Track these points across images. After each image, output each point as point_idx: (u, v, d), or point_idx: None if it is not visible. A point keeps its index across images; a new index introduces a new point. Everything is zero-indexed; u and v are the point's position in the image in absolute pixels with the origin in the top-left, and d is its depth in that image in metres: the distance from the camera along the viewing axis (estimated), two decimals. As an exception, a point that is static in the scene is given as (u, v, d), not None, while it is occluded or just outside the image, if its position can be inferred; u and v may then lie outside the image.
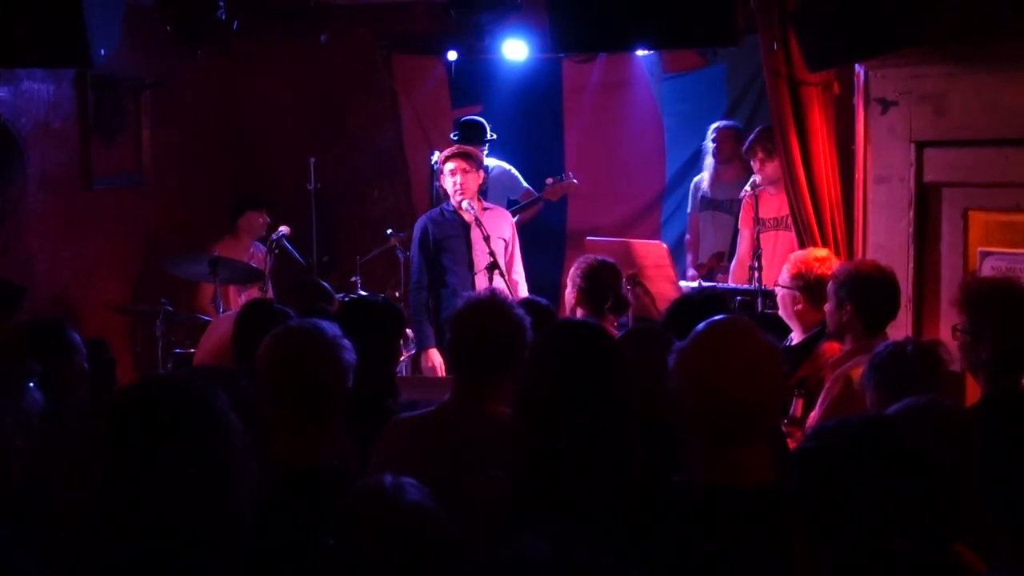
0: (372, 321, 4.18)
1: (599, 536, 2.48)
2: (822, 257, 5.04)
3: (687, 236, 7.95)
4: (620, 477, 2.69)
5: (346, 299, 6.70)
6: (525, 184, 8.04)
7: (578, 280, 5.19)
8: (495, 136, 7.80)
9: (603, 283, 5.14)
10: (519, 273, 6.90)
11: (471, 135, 7.67)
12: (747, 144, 6.78)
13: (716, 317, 2.68)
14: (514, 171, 8.03)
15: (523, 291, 6.68)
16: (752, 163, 6.69)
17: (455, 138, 7.74)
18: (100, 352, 4.42)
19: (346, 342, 3.17)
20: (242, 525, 1.75)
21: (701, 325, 2.61)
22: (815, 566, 2.02)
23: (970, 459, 2.72)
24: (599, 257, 5.30)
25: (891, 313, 4.55)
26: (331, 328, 3.25)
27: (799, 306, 4.95)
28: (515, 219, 7.48)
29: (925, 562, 1.99)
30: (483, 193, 6.99)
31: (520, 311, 3.55)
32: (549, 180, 7.87)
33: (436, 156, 7.66)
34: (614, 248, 6.28)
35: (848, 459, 2.01)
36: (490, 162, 7.85)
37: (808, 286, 4.92)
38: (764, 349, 2.56)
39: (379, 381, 4.04)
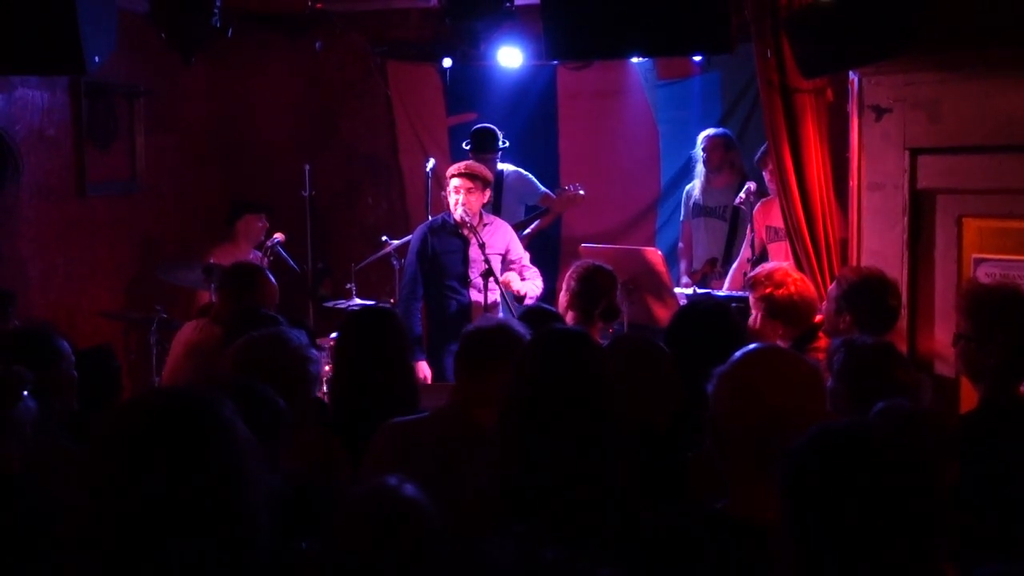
0: (376, 331, 4.16)
1: (575, 543, 2.46)
2: (781, 279, 4.97)
3: (680, 244, 7.96)
4: (602, 486, 2.68)
5: (351, 307, 6.68)
6: (543, 188, 8.00)
7: (572, 284, 5.08)
8: (507, 144, 7.79)
9: (597, 288, 5.06)
10: (533, 280, 6.76)
11: (484, 143, 7.65)
12: (758, 155, 6.78)
13: (753, 345, 2.62)
14: (530, 176, 7.98)
15: (534, 293, 6.62)
16: (763, 174, 6.69)
17: (467, 147, 7.72)
18: (107, 359, 4.40)
19: (312, 352, 3.19)
20: (259, 532, 1.75)
21: (743, 351, 2.55)
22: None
23: (950, 467, 2.71)
24: (596, 262, 5.26)
25: (888, 324, 4.57)
26: (300, 336, 3.26)
27: (779, 331, 4.92)
28: (526, 231, 7.49)
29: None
30: (495, 205, 6.91)
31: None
32: (557, 191, 7.86)
33: (431, 163, 7.65)
34: (609, 255, 6.28)
35: (829, 464, 1.97)
36: (505, 167, 7.84)
37: (777, 313, 4.91)
38: (812, 372, 2.53)
39: (387, 391, 3.99)
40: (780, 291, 4.90)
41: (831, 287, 4.70)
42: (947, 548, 1.98)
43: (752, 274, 5.19)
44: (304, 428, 3.35)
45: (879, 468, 1.92)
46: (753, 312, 5.03)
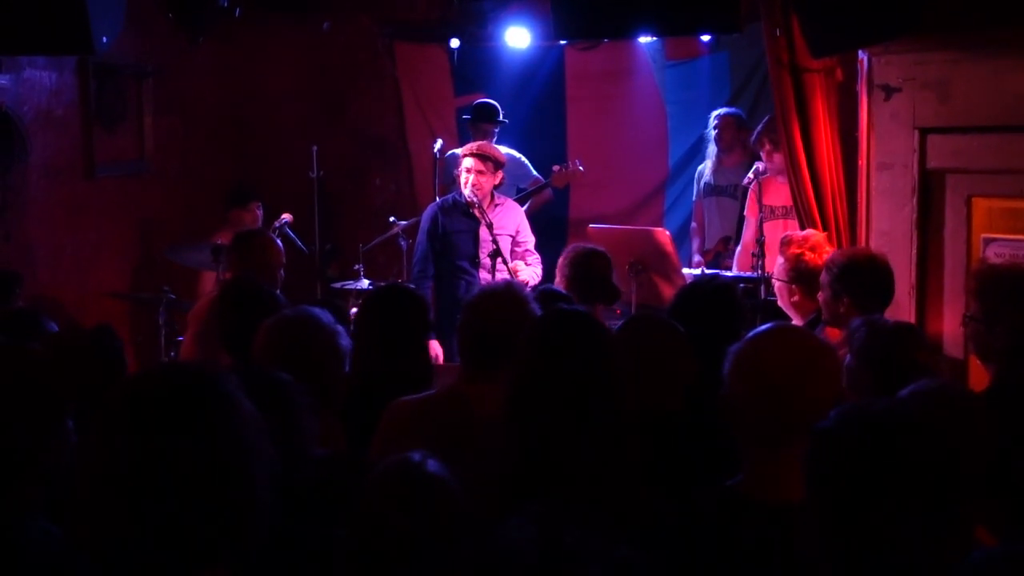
0: (393, 308, 4.14)
1: (586, 522, 2.46)
2: (816, 244, 4.99)
3: (692, 223, 7.96)
4: (612, 466, 2.68)
5: (372, 287, 6.67)
6: (535, 173, 8.02)
7: (567, 269, 5.08)
8: (507, 121, 7.81)
9: (593, 272, 5.05)
10: (534, 267, 6.80)
11: (483, 115, 7.71)
12: (754, 135, 6.78)
13: (768, 324, 2.62)
14: (524, 159, 8.00)
15: (533, 282, 6.61)
16: (760, 154, 6.68)
17: (467, 118, 7.77)
18: (109, 338, 4.39)
19: (340, 328, 3.18)
20: (263, 508, 1.75)
21: (756, 330, 2.56)
22: (828, 556, 1.99)
23: (982, 443, 2.70)
24: (588, 245, 5.25)
25: (887, 300, 4.56)
26: (325, 315, 3.26)
27: (795, 297, 4.94)
28: (524, 207, 7.46)
29: (943, 547, 1.97)
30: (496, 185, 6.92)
31: (534, 306, 3.53)
32: (556, 167, 7.86)
33: (439, 144, 7.65)
34: (617, 236, 6.28)
35: (866, 441, 1.97)
36: (500, 149, 7.85)
37: (801, 277, 4.90)
38: (825, 351, 2.53)
39: (401, 369, 3.96)
40: (811, 256, 4.89)
41: (822, 274, 4.66)
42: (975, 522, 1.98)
43: (788, 233, 5.17)
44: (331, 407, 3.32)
45: (913, 448, 1.91)
46: (775, 281, 5.03)
